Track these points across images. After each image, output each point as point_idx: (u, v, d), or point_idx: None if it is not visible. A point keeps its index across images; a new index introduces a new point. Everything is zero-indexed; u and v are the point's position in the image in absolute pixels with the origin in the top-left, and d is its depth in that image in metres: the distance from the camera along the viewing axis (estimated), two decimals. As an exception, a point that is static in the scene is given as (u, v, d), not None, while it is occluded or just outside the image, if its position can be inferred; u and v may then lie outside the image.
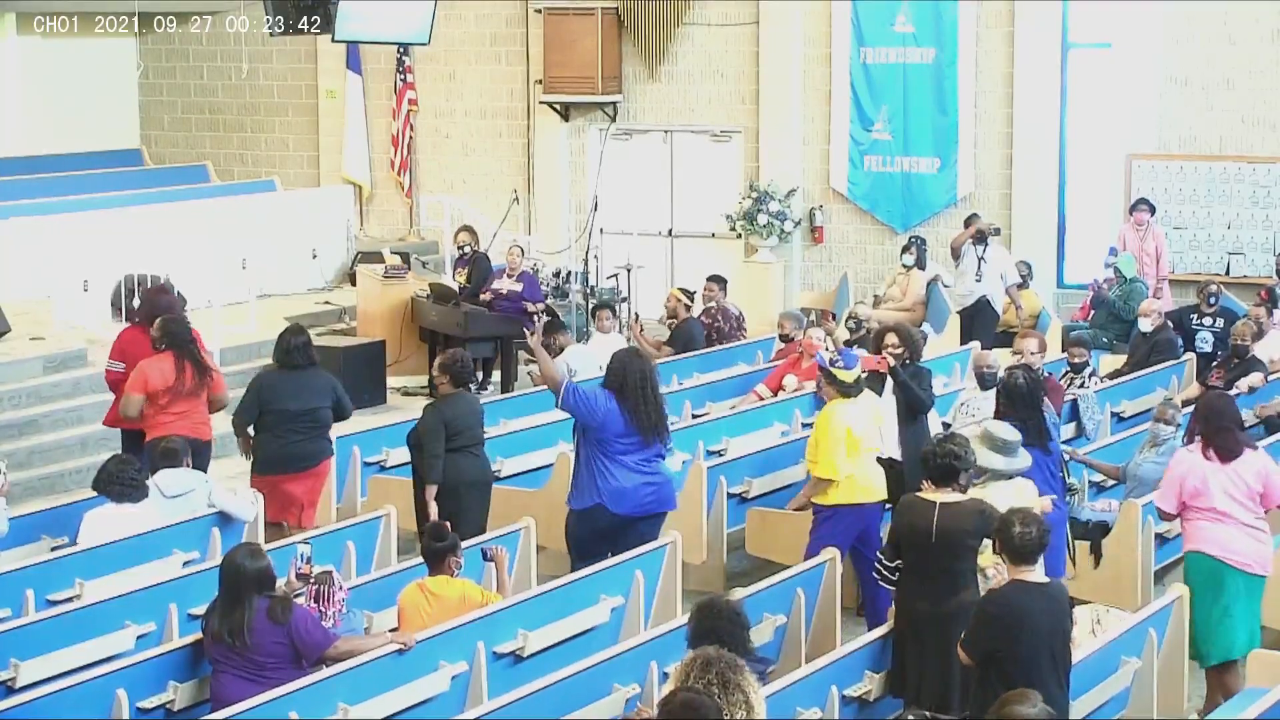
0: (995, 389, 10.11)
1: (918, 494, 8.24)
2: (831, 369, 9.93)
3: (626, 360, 9.79)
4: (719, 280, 15.68)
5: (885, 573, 8.27)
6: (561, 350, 14.51)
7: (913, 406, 10.55)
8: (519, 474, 11.77)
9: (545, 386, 10.09)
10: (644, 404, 9.59)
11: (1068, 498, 9.91)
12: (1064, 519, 9.65)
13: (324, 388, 11.14)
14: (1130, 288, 15.84)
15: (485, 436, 10.92)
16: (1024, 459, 8.87)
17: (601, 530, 9.60)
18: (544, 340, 15.53)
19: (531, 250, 18.71)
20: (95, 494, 9.92)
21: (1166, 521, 9.49)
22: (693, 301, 15.44)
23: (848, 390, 9.88)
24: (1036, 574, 7.45)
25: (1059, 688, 7.32)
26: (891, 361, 10.58)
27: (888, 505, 9.78)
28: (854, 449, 9.77)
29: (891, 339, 10.83)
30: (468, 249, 16.70)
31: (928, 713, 7.63)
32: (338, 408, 11.17)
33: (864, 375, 10.07)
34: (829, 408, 9.97)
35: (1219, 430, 8.86)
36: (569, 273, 17.62)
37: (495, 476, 11.17)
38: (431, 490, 10.30)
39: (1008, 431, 8.83)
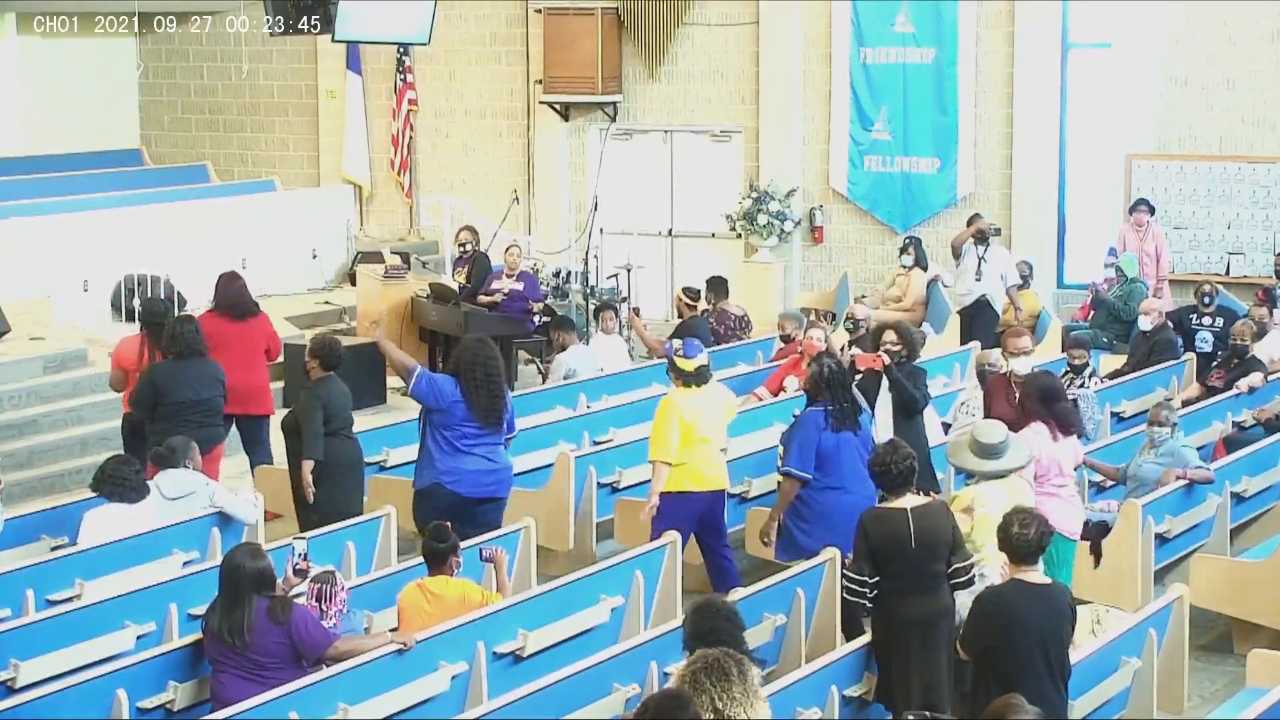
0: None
1: (883, 505, 8.15)
2: (673, 357, 10.20)
3: (472, 349, 10.13)
4: (718, 283, 15.64)
5: (862, 589, 8.02)
6: (565, 349, 14.54)
7: (907, 406, 10.55)
8: (519, 474, 11.73)
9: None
10: (485, 392, 9.92)
11: None
12: (871, 498, 9.68)
13: (211, 377, 11.42)
14: (1131, 288, 15.84)
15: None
16: (1014, 458, 8.84)
17: (441, 510, 9.76)
18: (549, 338, 15.66)
19: (531, 250, 18.72)
20: (95, 494, 9.93)
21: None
22: (697, 300, 15.43)
23: (688, 379, 10.09)
24: (1037, 574, 7.45)
25: (1054, 687, 7.32)
26: (886, 360, 10.57)
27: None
28: (689, 437, 9.97)
29: (890, 336, 10.83)
30: (469, 248, 16.70)
31: (928, 713, 7.63)
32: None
33: (705, 366, 10.28)
34: (668, 395, 10.27)
35: (1061, 408, 9.49)
36: (569, 273, 17.61)
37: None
38: (309, 465, 10.60)
39: (994, 434, 8.78)
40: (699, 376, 10.13)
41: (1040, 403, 9.57)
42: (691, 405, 10.06)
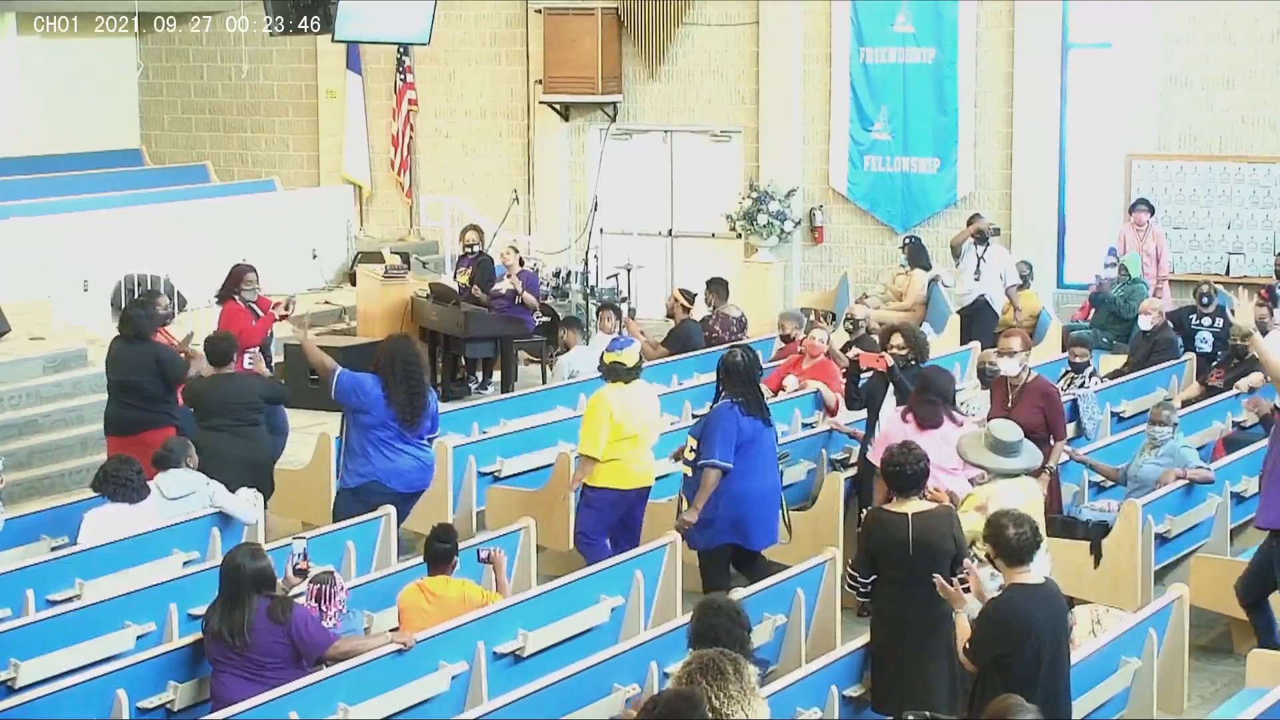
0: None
1: (886, 508, 8.17)
2: (606, 352, 10.36)
3: (392, 346, 10.28)
4: (718, 284, 15.62)
5: (859, 588, 8.19)
6: (567, 349, 14.55)
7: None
8: (519, 474, 11.76)
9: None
10: (404, 389, 10.03)
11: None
12: (778, 487, 10.11)
13: (143, 363, 11.49)
14: (1132, 288, 15.84)
15: (484, 436, 11.03)
16: (1028, 458, 8.86)
17: (371, 507, 10.02)
18: (548, 337, 15.67)
19: (532, 250, 18.72)
20: (95, 494, 9.93)
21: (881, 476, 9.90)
22: (692, 303, 15.42)
23: (618, 375, 10.22)
24: (1033, 574, 7.44)
25: (1063, 685, 7.32)
26: (890, 361, 10.58)
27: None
28: (618, 434, 10.11)
29: (897, 339, 10.85)
30: (474, 248, 16.70)
31: (928, 713, 7.62)
32: (170, 382, 11.53)
33: (641, 364, 10.42)
34: (600, 390, 10.41)
35: (923, 401, 9.67)
36: (569, 273, 17.62)
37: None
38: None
39: (1009, 432, 8.81)
40: (632, 373, 10.28)
41: (919, 391, 9.81)
42: (621, 402, 10.21)
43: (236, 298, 12.82)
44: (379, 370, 10.10)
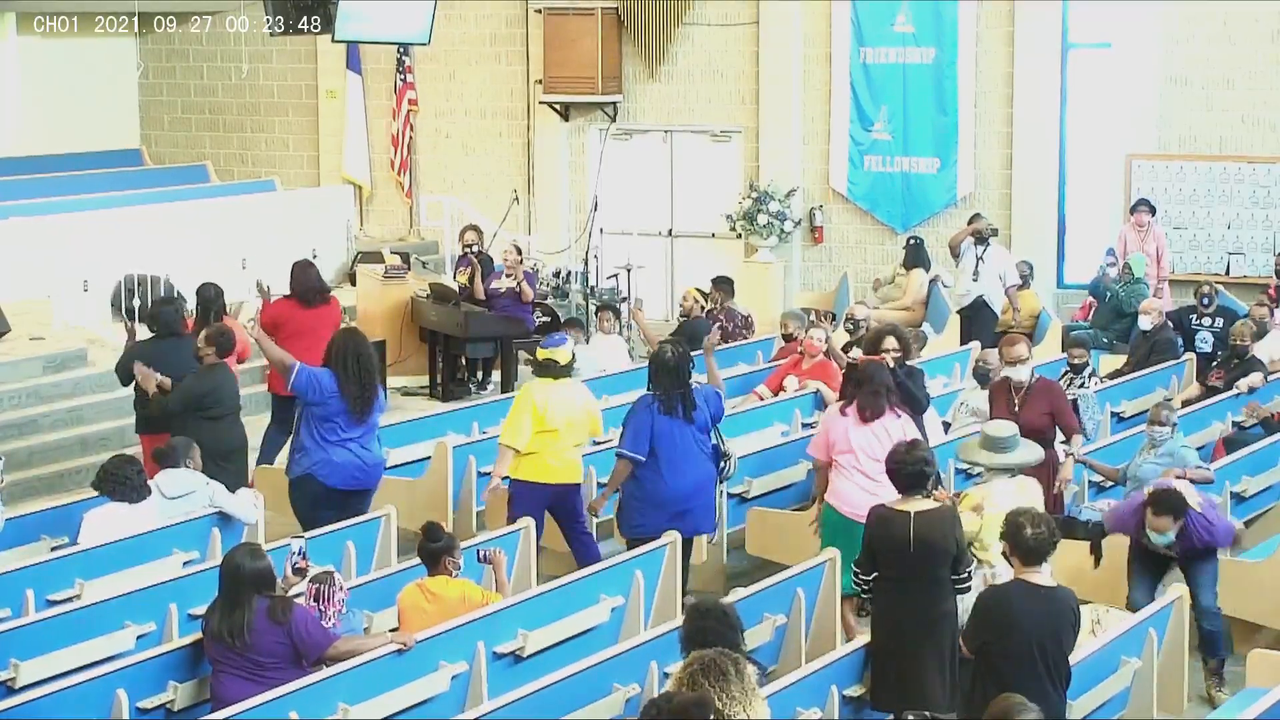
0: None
1: (889, 505, 8.18)
2: (540, 348, 10.53)
3: (343, 340, 10.45)
4: (724, 282, 15.66)
5: (861, 585, 8.26)
6: (570, 349, 14.53)
7: (911, 406, 10.57)
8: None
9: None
10: (356, 381, 10.23)
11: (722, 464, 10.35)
12: (713, 477, 10.23)
13: (184, 359, 11.53)
14: (1134, 288, 15.83)
15: (484, 436, 11.02)
16: (1024, 453, 8.86)
17: (312, 499, 10.26)
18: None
19: (531, 250, 18.71)
20: (96, 494, 9.94)
21: (817, 471, 10.16)
22: (708, 302, 15.44)
23: (549, 371, 10.39)
24: (1043, 575, 7.44)
25: (1053, 689, 7.31)
26: (890, 363, 10.61)
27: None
28: (540, 427, 10.24)
29: (890, 342, 10.88)
30: (474, 248, 16.70)
31: (928, 713, 7.64)
32: None
33: (573, 363, 10.58)
34: (528, 384, 10.60)
35: (868, 393, 9.71)
36: (569, 273, 17.62)
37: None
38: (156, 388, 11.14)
39: (1002, 429, 8.82)
40: (563, 371, 10.44)
41: (855, 386, 9.89)
42: (547, 397, 10.34)
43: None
44: (332, 364, 10.31)
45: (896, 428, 9.64)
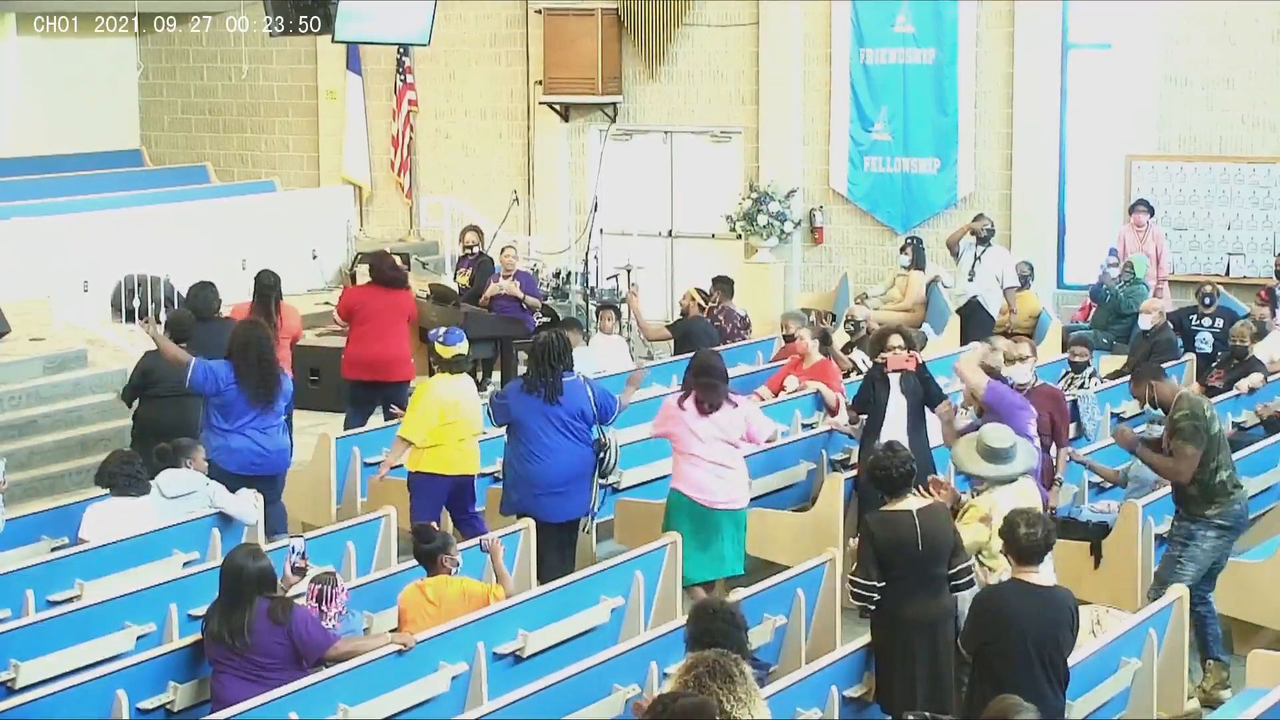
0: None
1: (887, 509, 8.09)
2: (435, 343, 10.75)
3: (244, 333, 10.83)
4: (725, 282, 15.64)
5: (869, 594, 7.94)
6: (570, 349, 14.53)
7: (931, 402, 10.66)
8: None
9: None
10: (256, 372, 10.62)
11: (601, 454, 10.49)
12: (588, 463, 10.38)
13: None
14: (1133, 288, 15.83)
15: (483, 436, 11.09)
16: (1023, 460, 8.82)
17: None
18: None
19: (531, 251, 18.71)
20: (96, 494, 9.97)
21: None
22: (708, 302, 15.43)
23: (447, 365, 10.72)
24: (1040, 575, 7.44)
25: (1050, 689, 7.31)
26: (919, 359, 10.66)
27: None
28: (443, 418, 10.53)
29: (895, 340, 10.86)
30: (475, 249, 16.67)
31: (927, 713, 7.63)
32: None
33: (464, 355, 10.86)
34: (430, 379, 10.91)
35: (702, 385, 9.79)
36: (569, 273, 17.62)
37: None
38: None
39: (1001, 438, 8.76)
40: (460, 365, 10.77)
41: (694, 375, 9.92)
42: (450, 391, 10.62)
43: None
44: (231, 357, 10.66)
45: (736, 417, 9.80)
